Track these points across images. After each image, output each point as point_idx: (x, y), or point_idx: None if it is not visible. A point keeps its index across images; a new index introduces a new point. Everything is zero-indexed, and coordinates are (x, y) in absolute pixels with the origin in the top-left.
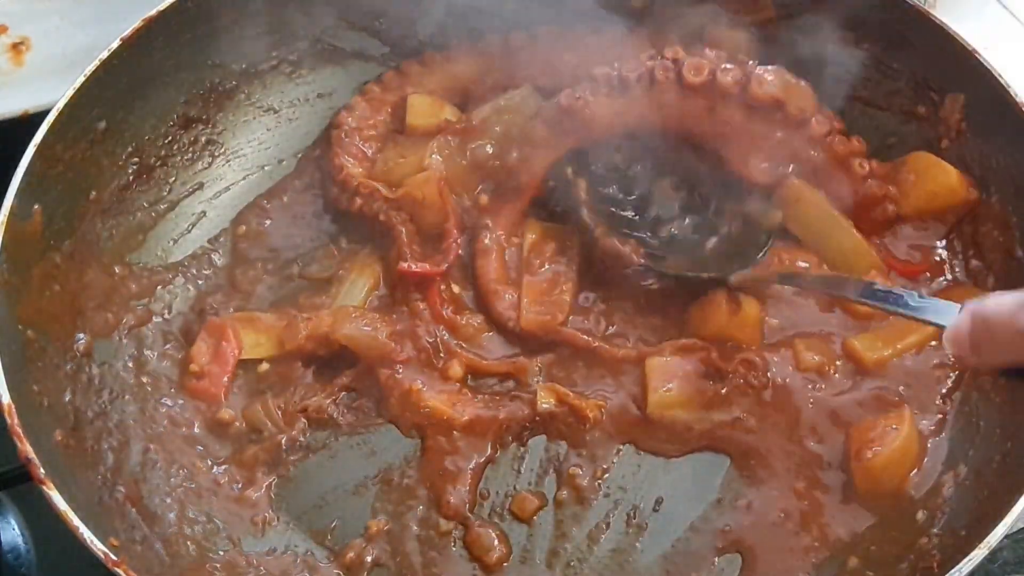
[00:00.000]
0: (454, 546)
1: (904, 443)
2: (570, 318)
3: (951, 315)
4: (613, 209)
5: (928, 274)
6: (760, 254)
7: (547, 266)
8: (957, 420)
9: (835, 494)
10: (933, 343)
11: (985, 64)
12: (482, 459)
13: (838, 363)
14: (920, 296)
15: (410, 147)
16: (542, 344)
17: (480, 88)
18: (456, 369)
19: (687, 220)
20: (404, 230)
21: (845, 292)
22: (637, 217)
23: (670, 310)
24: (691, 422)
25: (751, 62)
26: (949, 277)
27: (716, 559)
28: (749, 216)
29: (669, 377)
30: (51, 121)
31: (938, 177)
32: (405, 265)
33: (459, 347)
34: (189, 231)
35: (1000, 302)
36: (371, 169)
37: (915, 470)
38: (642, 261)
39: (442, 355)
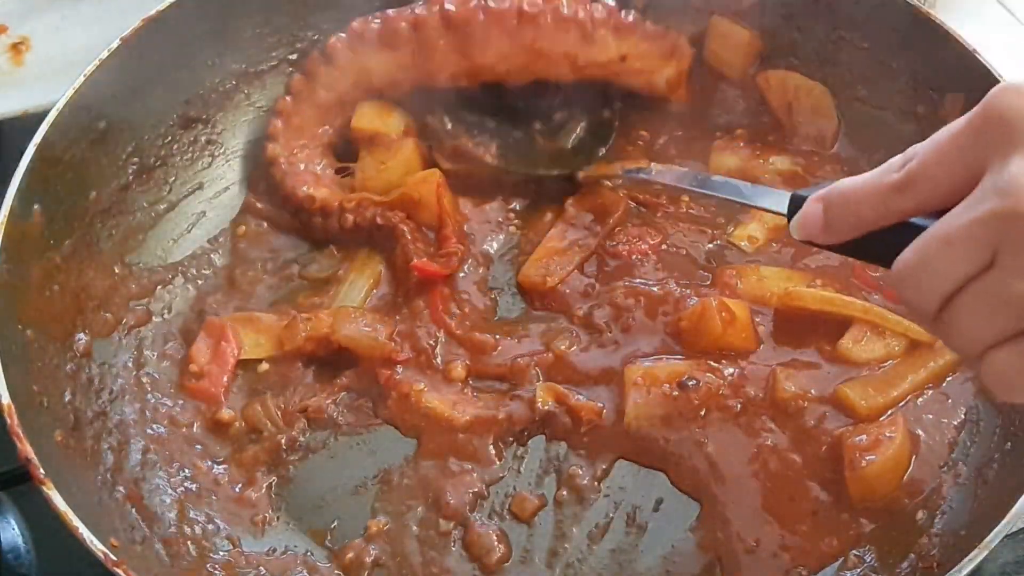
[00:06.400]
0: (454, 546)
1: (898, 451)
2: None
3: (783, 199)
4: (468, 120)
5: None
6: (603, 150)
7: (571, 234)
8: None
9: (828, 505)
10: (930, 386)
11: (985, 64)
12: (482, 460)
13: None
14: (752, 185)
15: (387, 151)
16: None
17: (396, 91)
18: (459, 371)
19: (534, 126)
20: (407, 228)
21: (683, 183)
22: (487, 127)
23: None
24: (667, 435)
25: None
26: None
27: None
28: (591, 116)
29: (647, 388)
30: (51, 121)
31: None
32: (417, 261)
33: (457, 350)
34: (189, 231)
35: (857, 178)
36: (332, 184)
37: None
38: (495, 161)
39: (438, 358)
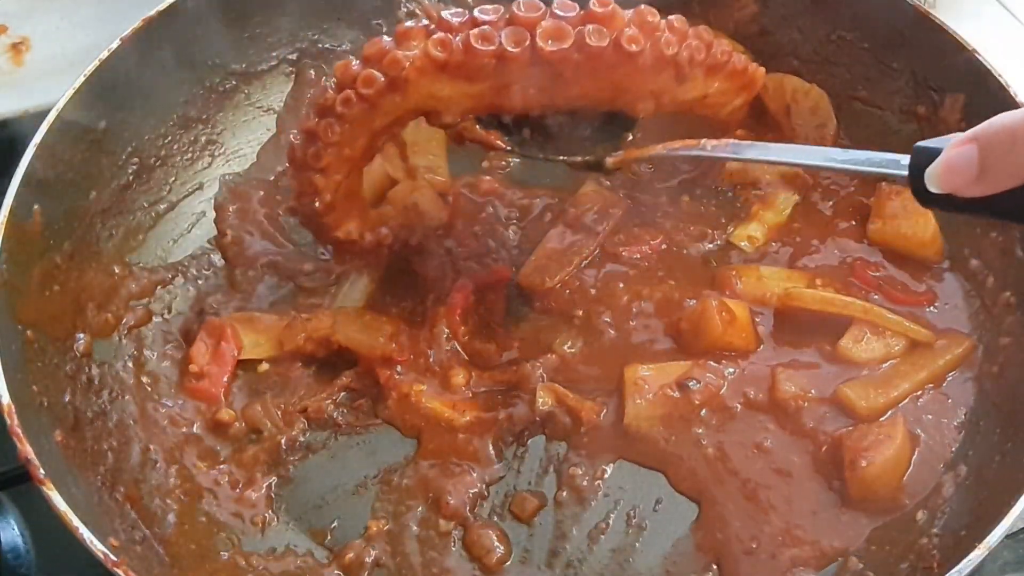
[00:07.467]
0: (454, 546)
1: (898, 451)
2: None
3: (896, 161)
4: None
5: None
6: (629, 135)
7: (570, 235)
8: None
9: (828, 505)
10: (930, 386)
11: (985, 64)
12: (482, 460)
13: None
14: (823, 148)
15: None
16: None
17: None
18: (460, 377)
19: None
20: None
21: (745, 155)
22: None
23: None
24: (666, 435)
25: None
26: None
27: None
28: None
29: (647, 389)
30: (51, 121)
31: (917, 224)
32: (495, 266)
33: (460, 353)
34: (189, 231)
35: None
36: (365, 213)
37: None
38: (508, 147)
39: (432, 358)
